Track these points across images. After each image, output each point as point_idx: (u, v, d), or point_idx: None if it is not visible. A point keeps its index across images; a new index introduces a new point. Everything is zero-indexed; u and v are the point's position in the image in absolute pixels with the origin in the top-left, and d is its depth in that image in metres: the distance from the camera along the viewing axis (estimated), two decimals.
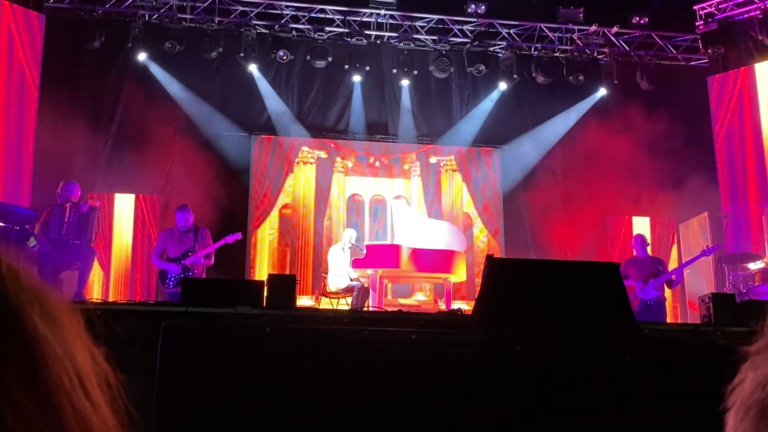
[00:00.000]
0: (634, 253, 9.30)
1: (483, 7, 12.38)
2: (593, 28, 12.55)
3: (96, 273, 10.33)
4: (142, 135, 11.47)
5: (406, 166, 12.87)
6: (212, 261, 9.08)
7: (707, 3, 12.35)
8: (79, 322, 0.79)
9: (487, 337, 4.35)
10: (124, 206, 11.50)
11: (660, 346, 4.35)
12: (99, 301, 9.37)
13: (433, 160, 12.95)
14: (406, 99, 12.68)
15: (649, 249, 9.54)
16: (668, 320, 11.75)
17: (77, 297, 8.50)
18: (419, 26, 12.58)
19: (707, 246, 9.57)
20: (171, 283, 8.79)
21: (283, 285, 6.36)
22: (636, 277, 8.75)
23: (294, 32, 12.38)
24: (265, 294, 6.31)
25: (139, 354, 4.50)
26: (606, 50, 12.79)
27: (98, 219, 9.29)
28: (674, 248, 12.53)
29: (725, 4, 12.27)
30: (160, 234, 9.37)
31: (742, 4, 12.16)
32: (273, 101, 12.32)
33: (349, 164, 12.74)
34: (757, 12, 11.96)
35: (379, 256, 9.82)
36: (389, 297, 11.79)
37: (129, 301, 9.61)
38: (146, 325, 5.45)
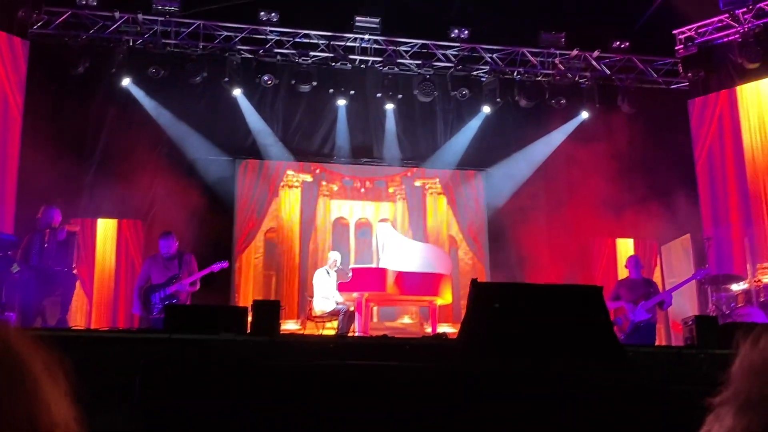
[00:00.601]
0: (628, 274, 9.32)
1: (466, 31, 12.49)
2: (575, 52, 12.68)
3: (79, 299, 10.26)
4: (126, 160, 11.45)
5: (391, 190, 12.91)
6: (198, 287, 9.05)
7: (687, 27, 12.50)
8: (65, 375, 0.82)
9: (471, 370, 4.35)
10: (107, 232, 11.45)
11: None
12: (82, 328, 9.32)
13: (418, 183, 12.99)
14: (390, 122, 12.73)
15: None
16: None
17: (60, 324, 8.45)
18: (403, 51, 12.67)
19: (699, 269, 9.62)
20: (155, 309, 8.75)
21: (268, 311, 6.35)
22: (627, 299, 8.78)
23: (279, 57, 12.42)
24: (250, 320, 6.30)
25: (123, 382, 4.47)
26: (587, 74, 12.91)
27: (77, 245, 9.25)
28: (657, 270, 12.59)
29: (704, 29, 12.43)
30: (144, 262, 9.33)
31: (721, 29, 12.32)
32: (258, 125, 12.34)
33: (335, 188, 12.76)
34: (736, 36, 12.12)
35: (364, 279, 9.80)
36: (375, 320, 11.77)
37: (112, 329, 9.57)
38: (129, 353, 5.43)
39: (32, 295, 8.56)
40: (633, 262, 9.33)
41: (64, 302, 8.82)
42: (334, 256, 10.70)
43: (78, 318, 10.58)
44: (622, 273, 11.83)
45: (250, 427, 3.74)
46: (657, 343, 11.54)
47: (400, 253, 10.26)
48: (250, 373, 3.99)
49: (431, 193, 13.02)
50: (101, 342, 5.76)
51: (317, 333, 10.03)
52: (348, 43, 12.49)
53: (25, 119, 10.89)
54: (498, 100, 12.65)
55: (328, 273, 10.46)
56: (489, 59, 12.74)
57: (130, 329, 9.91)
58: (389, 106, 12.66)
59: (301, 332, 10.74)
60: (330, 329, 10.14)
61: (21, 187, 10.74)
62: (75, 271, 9.17)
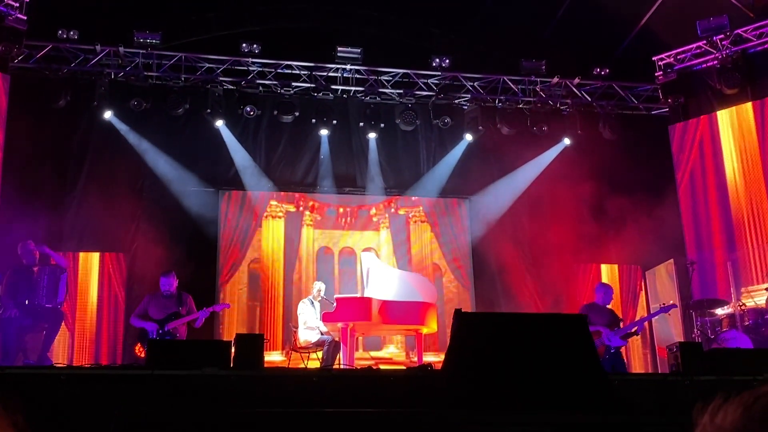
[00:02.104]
0: (595, 300, 9.28)
1: (447, 60, 12.57)
2: (555, 79, 12.78)
3: (61, 334, 10.13)
4: (109, 192, 11.39)
5: (374, 219, 12.90)
6: (201, 323, 9.21)
7: (666, 54, 12.64)
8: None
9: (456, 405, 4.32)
10: (89, 265, 11.37)
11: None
12: (64, 365, 9.21)
13: (401, 211, 13.00)
14: (373, 151, 12.76)
15: (612, 303, 9.51)
16: (639, 368, 11.83)
17: (42, 360, 8.35)
18: (385, 80, 12.72)
19: (662, 304, 9.64)
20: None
21: (251, 345, 6.30)
22: (601, 324, 8.76)
23: (261, 88, 12.45)
24: (233, 354, 6.25)
25: (104, 419, 4.41)
26: (569, 101, 13.01)
27: (66, 281, 9.20)
28: (642, 295, 12.63)
29: (683, 55, 12.57)
30: (144, 297, 9.35)
31: (699, 55, 12.46)
32: (240, 156, 12.32)
33: (318, 217, 12.74)
34: (715, 62, 12.26)
35: (349, 309, 9.74)
36: (360, 350, 11.70)
37: (94, 365, 9.47)
38: (111, 389, 5.37)
39: (15, 331, 8.46)
40: (606, 290, 9.28)
41: (48, 339, 8.73)
42: (318, 286, 10.67)
43: (59, 353, 10.47)
44: None
45: None
46: (643, 369, 11.60)
47: (385, 282, 10.21)
48: (229, 420, 3.94)
49: (415, 222, 13.02)
50: (84, 379, 5.68)
51: (302, 365, 9.95)
52: (330, 74, 12.54)
53: (6, 153, 10.83)
54: (480, 127, 12.71)
55: (312, 303, 10.42)
56: (470, 87, 12.82)
57: (112, 365, 9.81)
58: (372, 135, 12.69)
59: (285, 364, 10.65)
60: (315, 360, 10.07)
61: (2, 220, 10.64)
62: (61, 308, 9.10)
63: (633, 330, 9.02)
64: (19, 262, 8.89)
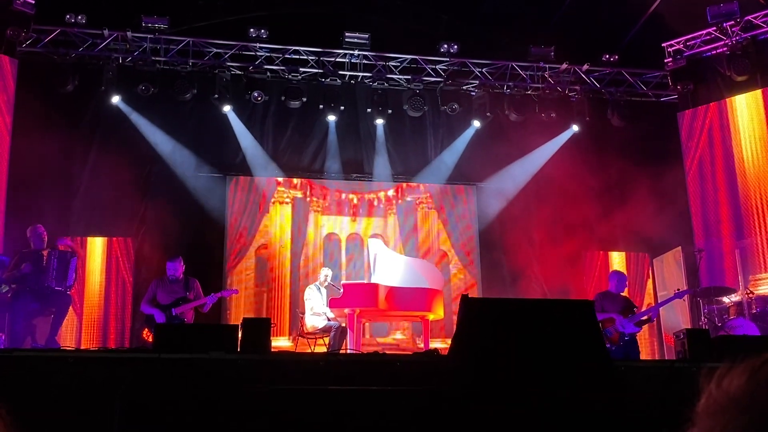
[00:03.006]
0: (609, 287, 9.26)
1: (455, 46, 12.51)
2: (564, 66, 12.72)
3: (69, 318, 10.17)
4: (116, 178, 11.41)
5: (382, 205, 12.88)
6: (209, 308, 9.23)
7: (675, 40, 12.55)
8: None
9: (462, 389, 4.32)
10: (96, 250, 11.40)
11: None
12: (72, 348, 9.25)
13: (409, 198, 12.98)
14: (381, 138, 12.74)
15: (626, 291, 9.50)
16: (646, 354, 11.80)
17: (50, 344, 8.38)
18: (393, 66, 12.68)
19: (677, 290, 9.62)
20: None
21: (258, 329, 6.31)
22: (614, 311, 8.74)
23: (268, 73, 12.43)
24: (240, 338, 6.26)
25: (111, 402, 4.43)
26: (577, 87, 12.94)
27: (76, 265, 9.24)
28: (650, 282, 12.60)
29: (693, 42, 12.49)
30: (151, 283, 9.36)
31: (709, 41, 12.37)
32: (248, 142, 12.32)
33: (325, 203, 12.73)
34: (725, 48, 12.18)
35: (356, 295, 9.76)
36: (367, 336, 11.72)
37: (101, 348, 9.52)
38: (118, 373, 5.38)
39: (22, 315, 8.50)
40: (619, 277, 9.24)
41: (56, 322, 8.77)
42: (325, 272, 10.68)
43: (67, 337, 10.51)
44: None
45: None
46: (650, 356, 11.57)
47: (392, 268, 10.23)
48: (234, 398, 3.95)
49: (422, 208, 13.01)
50: (91, 362, 5.70)
51: (309, 350, 9.98)
52: (338, 59, 12.51)
53: (13, 137, 10.85)
54: (488, 114, 12.67)
55: (318, 289, 10.44)
56: (478, 73, 12.77)
57: (120, 349, 9.86)
58: (379, 122, 12.67)
59: (292, 350, 10.68)
60: (322, 346, 10.10)
61: (10, 205, 10.68)
62: (70, 292, 9.13)
63: (647, 317, 9.00)
64: (27, 246, 8.92)
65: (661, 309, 10.67)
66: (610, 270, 10.88)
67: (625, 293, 9.28)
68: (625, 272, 11.39)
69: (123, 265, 11.41)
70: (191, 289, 9.12)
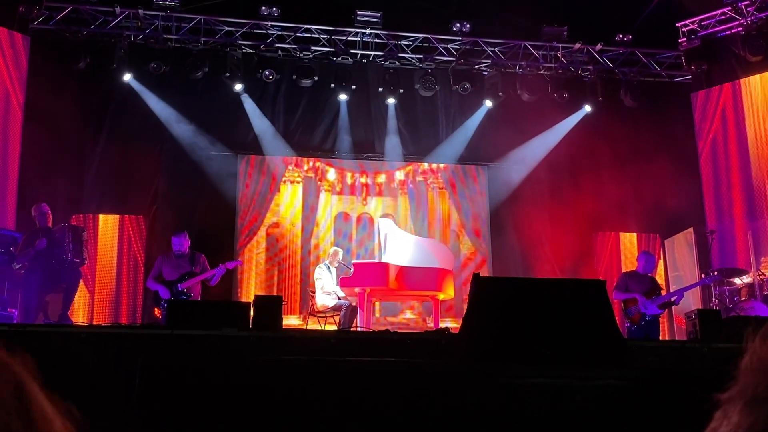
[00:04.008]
0: (635, 267, 9.28)
1: (467, 25, 12.44)
2: (577, 45, 12.63)
3: (81, 295, 10.26)
4: (128, 155, 11.45)
5: (393, 185, 12.87)
6: (216, 281, 9.26)
7: (690, 20, 12.45)
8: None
9: (472, 370, 4.33)
10: (109, 227, 11.46)
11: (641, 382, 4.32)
12: (84, 323, 9.32)
13: (419, 178, 12.96)
14: (392, 117, 12.70)
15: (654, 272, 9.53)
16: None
17: (62, 320, 8.44)
18: (404, 45, 12.63)
19: (704, 275, 9.57)
20: (165, 305, 8.77)
21: (270, 306, 6.35)
22: (638, 291, 8.75)
23: (280, 52, 12.39)
24: (252, 315, 6.29)
25: (124, 379, 4.46)
26: (590, 67, 12.86)
27: (86, 241, 9.32)
28: (661, 264, 12.57)
29: (708, 21, 12.38)
30: (157, 259, 9.40)
31: (724, 21, 12.26)
32: (259, 121, 12.31)
33: (336, 183, 12.73)
34: (740, 29, 12.07)
35: (366, 274, 9.78)
36: (377, 315, 11.76)
37: (114, 324, 9.58)
38: (132, 349, 5.42)
39: (35, 291, 8.56)
40: (647, 257, 9.23)
41: (68, 297, 8.83)
42: (336, 252, 10.69)
43: (80, 314, 10.60)
44: (626, 267, 11.84)
45: (249, 425, 3.72)
46: (661, 337, 11.56)
47: (402, 248, 10.24)
48: (250, 369, 3.97)
49: (433, 188, 12.99)
50: (104, 338, 5.75)
51: (319, 329, 10.02)
52: (349, 38, 12.46)
53: (26, 115, 10.89)
54: (500, 94, 12.61)
55: (328, 268, 10.45)
56: (491, 53, 12.70)
57: (132, 325, 9.92)
58: (391, 101, 12.63)
59: (303, 327, 10.72)
60: (332, 324, 10.13)
61: (22, 183, 10.74)
62: (81, 268, 9.19)
63: (672, 299, 9.00)
64: (34, 225, 8.96)
65: (683, 297, 10.65)
66: (639, 251, 10.88)
67: (652, 274, 9.31)
68: (636, 253, 11.35)
69: (135, 242, 11.47)
70: (197, 263, 9.15)
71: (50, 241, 8.67)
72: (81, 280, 9.40)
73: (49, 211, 9.10)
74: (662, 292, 9.06)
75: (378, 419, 3.80)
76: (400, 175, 12.90)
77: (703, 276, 9.42)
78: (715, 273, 9.75)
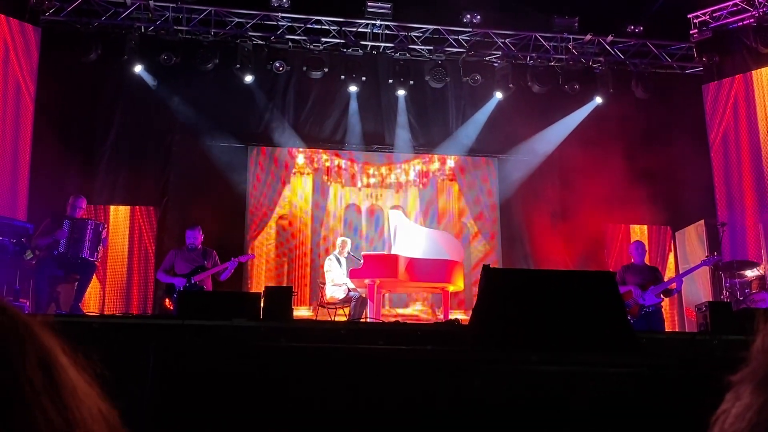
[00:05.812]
0: (632, 260, 9.27)
1: (478, 17, 12.40)
2: (588, 37, 12.58)
3: (92, 285, 10.30)
4: (139, 147, 11.50)
5: (402, 176, 12.87)
6: (228, 275, 9.33)
7: (701, 11, 12.38)
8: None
9: (482, 357, 4.33)
10: (120, 218, 11.51)
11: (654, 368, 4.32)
12: (95, 314, 9.37)
13: (430, 169, 12.95)
14: (402, 109, 12.69)
15: (646, 257, 9.52)
16: (667, 328, 11.76)
17: (74, 310, 8.48)
18: (415, 36, 12.60)
19: (707, 256, 9.55)
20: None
21: (280, 297, 6.37)
22: (634, 283, 8.74)
23: (290, 43, 12.39)
24: (262, 306, 6.31)
25: (135, 367, 4.48)
26: (601, 59, 12.82)
27: (106, 236, 9.41)
28: (671, 256, 12.54)
29: (719, 13, 12.31)
30: (169, 252, 9.45)
31: (736, 13, 12.20)
32: (269, 112, 12.33)
33: (346, 174, 12.74)
34: (752, 20, 12.00)
35: (376, 266, 9.80)
36: (387, 307, 11.77)
37: (125, 314, 9.62)
38: (142, 338, 5.45)
39: (47, 281, 8.58)
40: (638, 248, 9.24)
41: (81, 289, 8.85)
42: (346, 243, 10.71)
43: (91, 304, 10.64)
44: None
45: (262, 410, 3.74)
46: (670, 329, 11.54)
47: (412, 239, 10.24)
48: (262, 355, 3.99)
49: (443, 180, 12.99)
50: (115, 328, 5.78)
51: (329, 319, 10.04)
52: (359, 29, 12.45)
53: (37, 106, 10.93)
54: (510, 85, 12.58)
55: (338, 260, 10.47)
56: (501, 44, 12.67)
57: (143, 315, 9.97)
58: (401, 93, 12.61)
59: (313, 318, 10.75)
60: (342, 316, 10.15)
61: (33, 174, 10.79)
62: (97, 261, 9.22)
63: (670, 286, 8.98)
64: (58, 212, 8.90)
65: (683, 283, 10.63)
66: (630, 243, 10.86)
67: (647, 260, 9.28)
68: (647, 245, 11.32)
69: (146, 233, 11.52)
70: (209, 257, 9.22)
71: (72, 233, 8.66)
72: (94, 273, 9.42)
73: (84, 208, 9.13)
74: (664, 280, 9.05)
75: (389, 406, 3.81)
76: (409, 166, 12.89)
77: (703, 259, 9.39)
78: (715, 254, 9.71)
